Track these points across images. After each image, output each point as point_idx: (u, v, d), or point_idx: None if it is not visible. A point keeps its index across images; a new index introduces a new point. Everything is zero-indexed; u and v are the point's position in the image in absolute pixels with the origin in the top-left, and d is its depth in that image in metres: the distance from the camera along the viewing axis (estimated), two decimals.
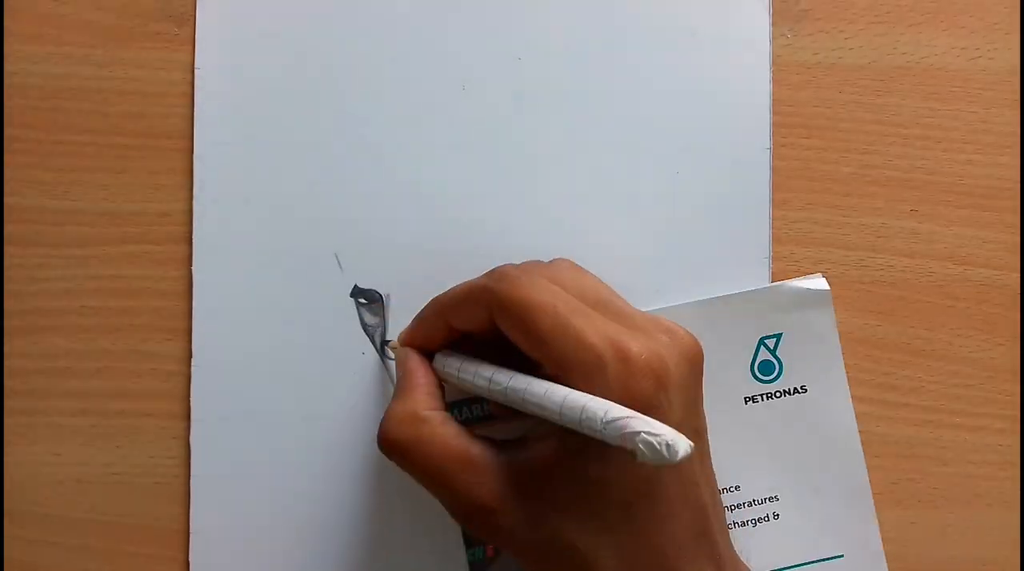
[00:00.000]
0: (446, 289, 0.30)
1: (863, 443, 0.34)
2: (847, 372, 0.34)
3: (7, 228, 0.34)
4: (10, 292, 0.34)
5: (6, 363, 0.34)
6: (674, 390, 0.26)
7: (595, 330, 0.26)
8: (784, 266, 0.34)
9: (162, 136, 0.34)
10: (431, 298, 0.31)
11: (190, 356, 0.34)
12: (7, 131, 0.34)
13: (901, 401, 0.34)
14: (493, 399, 0.28)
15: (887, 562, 0.34)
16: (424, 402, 0.28)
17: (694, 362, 0.27)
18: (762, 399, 0.33)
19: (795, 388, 0.33)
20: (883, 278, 0.35)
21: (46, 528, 0.33)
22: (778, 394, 0.33)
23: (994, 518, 0.34)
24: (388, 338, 0.34)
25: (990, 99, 0.35)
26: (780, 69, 0.35)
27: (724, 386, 0.33)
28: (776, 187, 0.34)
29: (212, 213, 0.34)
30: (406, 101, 0.34)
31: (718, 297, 0.33)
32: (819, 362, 0.33)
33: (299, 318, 0.34)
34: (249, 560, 0.33)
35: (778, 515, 0.33)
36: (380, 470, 0.33)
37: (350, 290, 0.34)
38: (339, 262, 0.34)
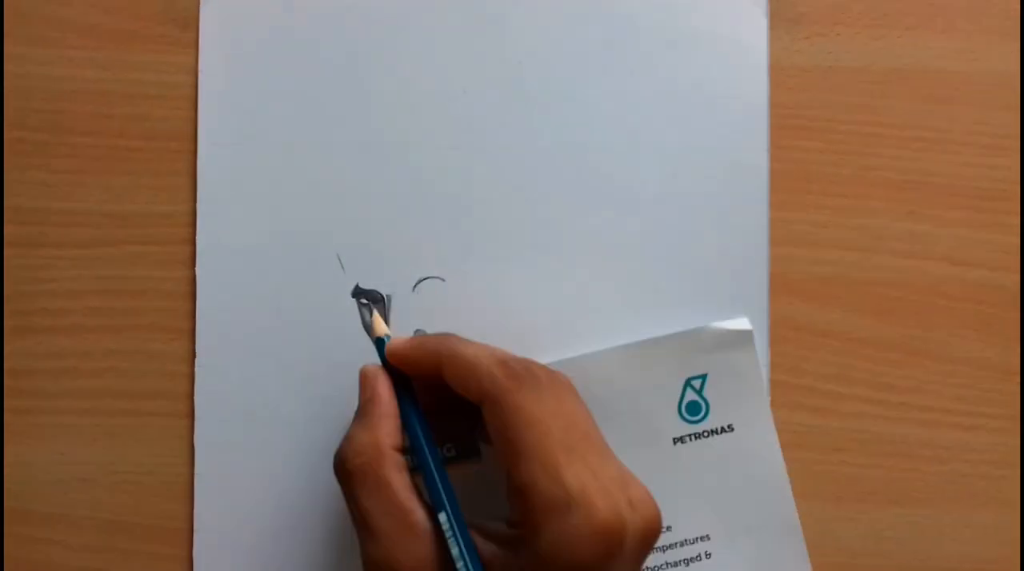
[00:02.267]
0: (462, 338, 0.29)
1: (863, 442, 0.34)
2: (849, 372, 0.34)
3: (11, 229, 0.34)
4: (14, 293, 0.34)
5: (10, 363, 0.34)
6: (619, 563, 0.25)
7: (575, 473, 0.25)
8: (782, 267, 0.35)
9: (165, 138, 0.34)
10: (449, 333, 0.30)
11: (194, 356, 0.34)
12: (11, 133, 0.34)
13: (899, 401, 0.35)
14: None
15: (884, 559, 0.34)
16: (389, 436, 0.28)
17: (648, 541, 0.27)
18: (691, 439, 0.33)
19: (722, 427, 0.34)
20: (881, 279, 0.35)
21: (50, 527, 0.34)
22: (706, 434, 0.33)
23: (992, 518, 0.34)
24: (384, 335, 0.33)
25: (987, 101, 0.35)
26: (778, 72, 0.35)
27: (654, 427, 0.33)
28: (774, 189, 0.35)
29: (215, 214, 0.34)
30: (408, 104, 0.35)
31: (644, 340, 0.34)
32: (745, 401, 0.34)
33: (302, 318, 0.34)
34: (252, 559, 0.33)
35: (710, 554, 0.33)
36: None
37: (351, 290, 0.34)
38: (341, 263, 0.34)
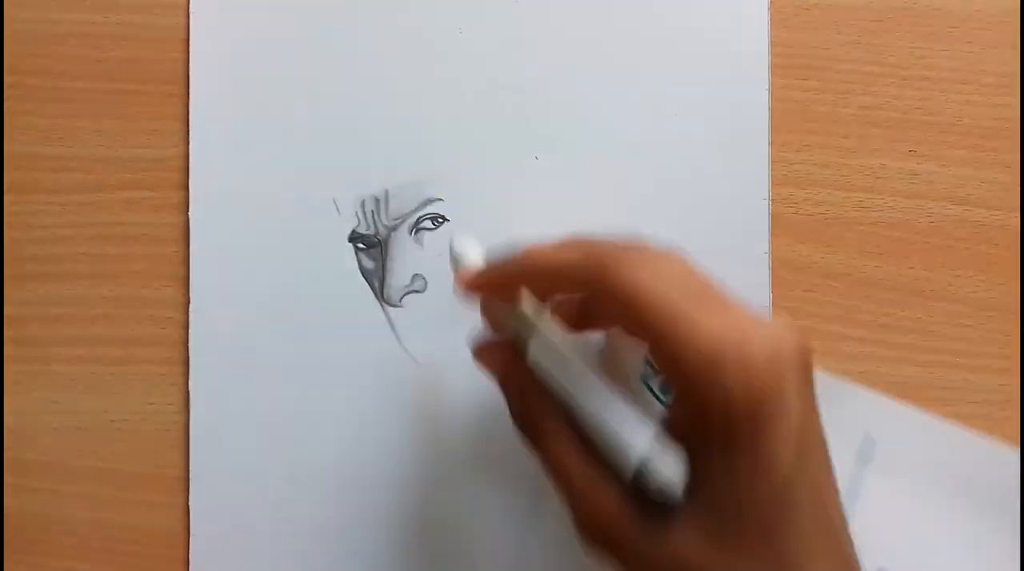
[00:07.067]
0: (538, 243, 0.27)
1: (866, 384, 0.34)
2: (851, 314, 0.34)
3: (4, 175, 0.34)
4: (8, 239, 0.34)
5: (4, 311, 0.34)
6: (791, 390, 0.24)
7: (709, 329, 0.24)
8: (783, 208, 0.34)
9: (158, 81, 0.34)
10: (525, 247, 0.27)
11: (188, 302, 0.33)
12: (3, 78, 0.34)
13: (902, 342, 0.34)
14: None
15: None
16: (540, 407, 0.27)
17: (806, 362, 0.25)
18: None
19: None
20: (882, 219, 0.34)
21: (45, 476, 0.33)
22: None
23: None
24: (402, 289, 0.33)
25: (988, 39, 0.35)
26: (778, 10, 0.34)
27: None
28: (775, 129, 0.34)
29: (209, 158, 0.34)
30: (403, 44, 0.34)
31: None
32: None
33: (296, 264, 0.34)
34: (249, 504, 0.33)
35: None
36: (380, 422, 0.33)
37: (348, 235, 0.34)
38: (337, 207, 0.34)
